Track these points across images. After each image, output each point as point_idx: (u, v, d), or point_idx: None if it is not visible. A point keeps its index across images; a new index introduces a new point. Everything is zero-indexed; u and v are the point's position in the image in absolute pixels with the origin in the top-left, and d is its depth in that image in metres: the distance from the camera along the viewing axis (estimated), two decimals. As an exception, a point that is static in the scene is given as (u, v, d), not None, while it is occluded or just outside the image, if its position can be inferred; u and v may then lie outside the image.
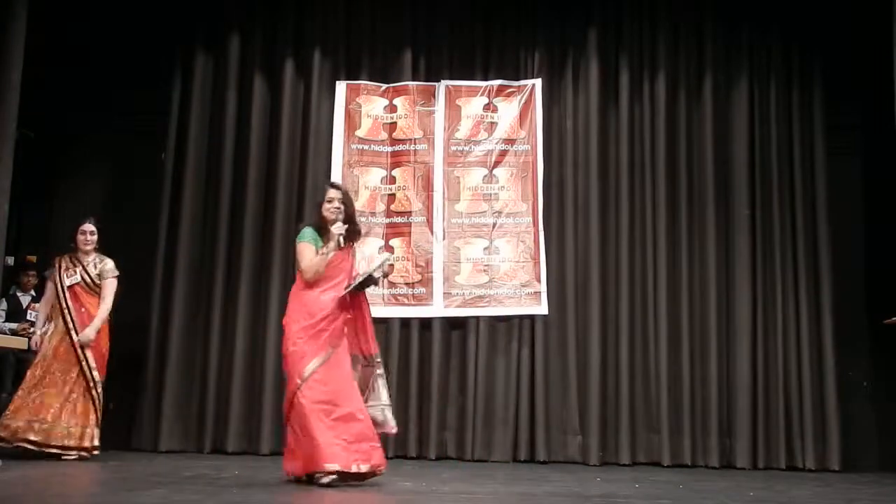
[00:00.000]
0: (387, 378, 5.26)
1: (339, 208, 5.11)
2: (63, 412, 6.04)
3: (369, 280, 5.06)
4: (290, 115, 7.57)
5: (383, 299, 7.30)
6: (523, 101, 7.56)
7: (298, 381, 4.78)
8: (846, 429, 7.12)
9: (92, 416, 6.15)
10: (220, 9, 7.71)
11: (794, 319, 7.25)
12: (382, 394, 5.06)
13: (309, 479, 4.81)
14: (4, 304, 7.29)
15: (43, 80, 7.29)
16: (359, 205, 7.46)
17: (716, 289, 7.29)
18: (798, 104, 7.54)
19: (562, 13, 7.71)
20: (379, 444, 4.89)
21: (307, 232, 5.11)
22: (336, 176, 7.45)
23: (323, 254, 5.01)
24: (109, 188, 7.96)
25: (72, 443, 6.05)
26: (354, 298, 5.08)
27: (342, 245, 5.07)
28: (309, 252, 5.03)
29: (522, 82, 7.61)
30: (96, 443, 6.15)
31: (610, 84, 7.62)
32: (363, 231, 7.34)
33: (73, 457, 6.02)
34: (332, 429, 4.72)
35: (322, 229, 5.09)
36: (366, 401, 4.97)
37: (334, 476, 4.69)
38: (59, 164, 7.96)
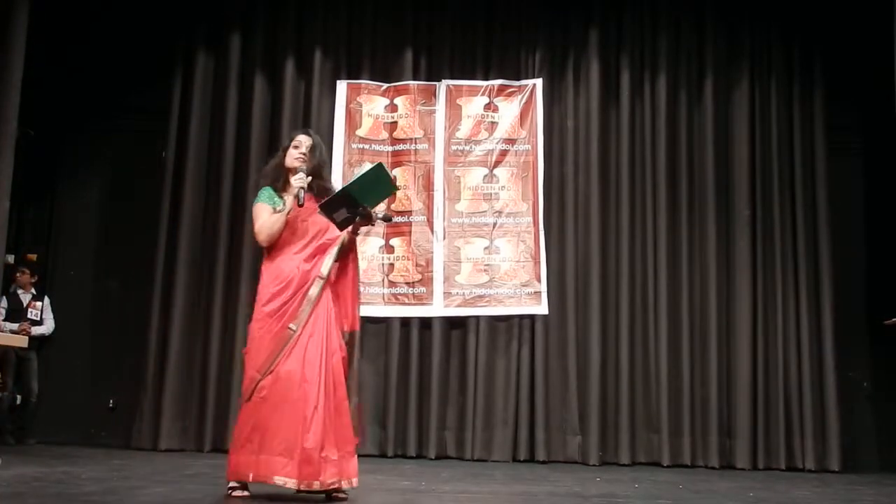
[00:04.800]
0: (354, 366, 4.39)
1: (303, 156, 4.28)
2: None
3: (356, 210, 4.08)
4: (290, 114, 7.56)
5: (383, 299, 7.32)
6: (524, 100, 7.56)
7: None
8: (846, 429, 7.12)
9: None
10: (220, 8, 7.71)
11: (794, 320, 7.25)
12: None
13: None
14: (5, 303, 7.30)
15: (44, 79, 7.30)
16: (359, 205, 7.47)
17: (716, 289, 7.28)
18: (799, 104, 7.54)
19: (562, 13, 7.71)
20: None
21: (264, 192, 4.31)
22: (337, 176, 7.45)
23: (279, 211, 4.21)
24: (110, 187, 7.99)
25: None
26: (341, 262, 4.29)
27: (302, 202, 4.14)
28: (264, 213, 4.23)
29: (523, 82, 7.61)
30: None
31: (611, 84, 7.62)
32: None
33: None
34: None
35: (284, 183, 4.32)
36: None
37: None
38: (59, 162, 7.97)
